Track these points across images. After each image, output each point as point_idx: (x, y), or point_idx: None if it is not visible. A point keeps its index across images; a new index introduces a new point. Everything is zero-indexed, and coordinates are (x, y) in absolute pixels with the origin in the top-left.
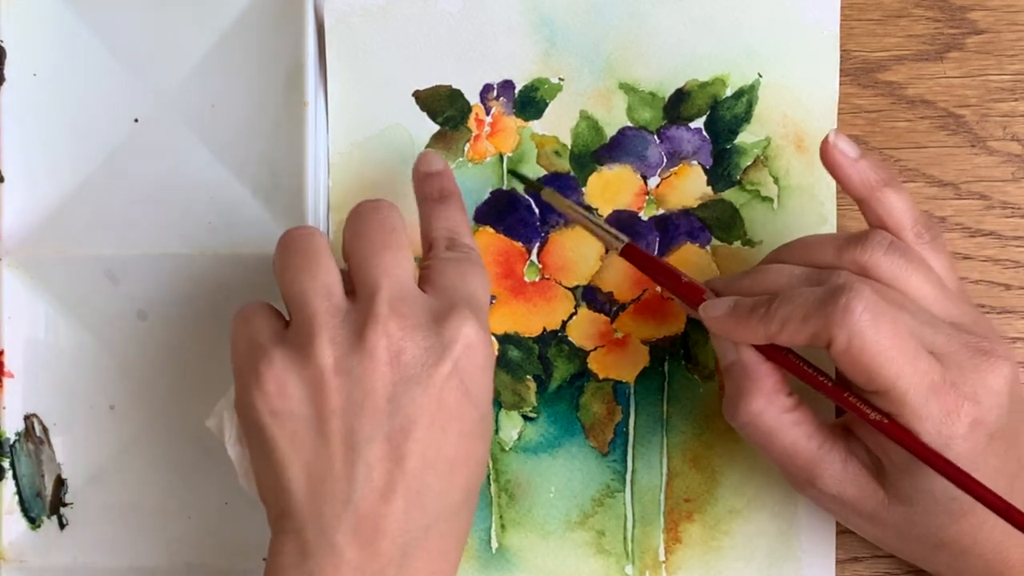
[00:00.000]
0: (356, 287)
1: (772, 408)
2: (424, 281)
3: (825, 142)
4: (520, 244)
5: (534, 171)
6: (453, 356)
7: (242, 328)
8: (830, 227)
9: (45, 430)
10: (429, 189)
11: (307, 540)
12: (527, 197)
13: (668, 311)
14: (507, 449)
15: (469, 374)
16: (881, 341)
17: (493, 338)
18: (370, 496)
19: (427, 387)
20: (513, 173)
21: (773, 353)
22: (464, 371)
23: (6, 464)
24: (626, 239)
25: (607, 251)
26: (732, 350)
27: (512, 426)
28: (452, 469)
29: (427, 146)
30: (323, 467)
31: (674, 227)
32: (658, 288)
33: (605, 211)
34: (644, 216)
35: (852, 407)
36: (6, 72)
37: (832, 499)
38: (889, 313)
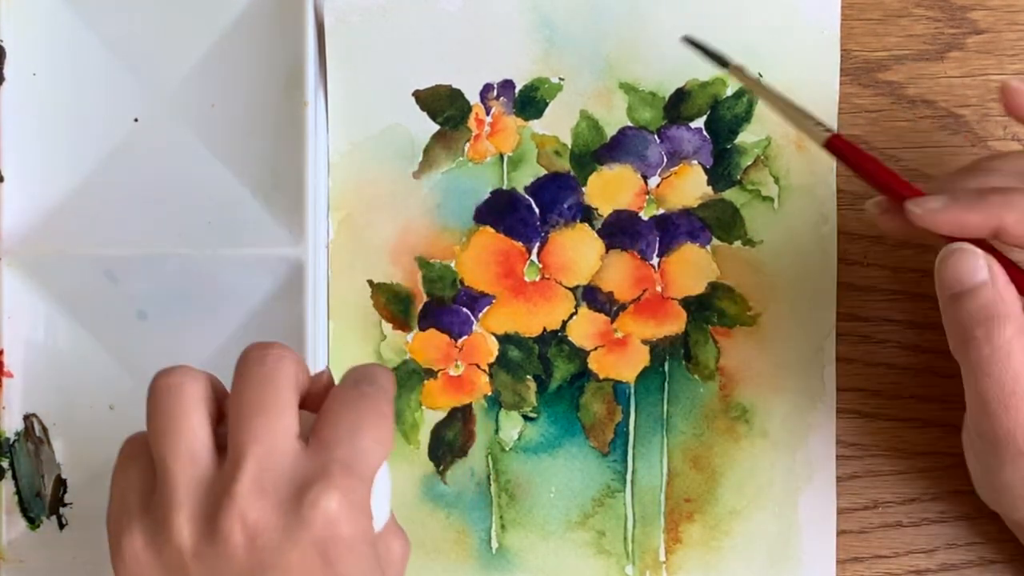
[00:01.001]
0: (228, 448)
1: (1021, 337)
2: (316, 425)
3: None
4: (520, 244)
5: (534, 171)
6: (312, 535)
7: (119, 477)
8: (830, 227)
9: (45, 430)
10: None
11: None
12: (527, 197)
13: (668, 311)
14: (507, 449)
15: (333, 551)
16: None
17: (494, 338)
18: None
19: (285, 573)
20: (690, 42)
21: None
22: (326, 549)
23: (6, 464)
24: (830, 130)
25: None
26: (982, 269)
27: (512, 426)
28: None
29: (426, 146)
30: None
31: (674, 227)
32: (658, 288)
33: (605, 211)
34: (644, 216)
35: None
36: (6, 72)
37: None
38: None
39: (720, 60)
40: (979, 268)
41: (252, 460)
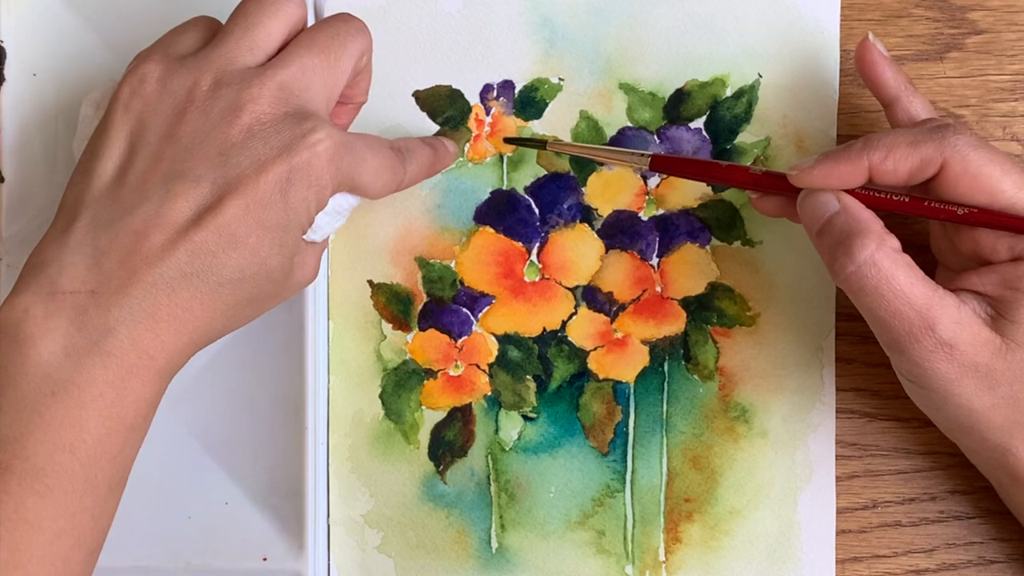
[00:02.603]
0: (283, 53)
1: (885, 248)
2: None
3: (866, 41)
4: (520, 244)
5: (534, 171)
6: (293, 158)
7: (172, 32)
8: None
9: None
10: None
11: (72, 226)
12: (527, 197)
13: (668, 311)
14: (507, 449)
15: (300, 178)
16: (995, 158)
17: (494, 338)
18: (152, 220)
19: (260, 165)
20: (511, 140)
21: (862, 197)
22: (293, 175)
23: None
24: (649, 152)
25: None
26: (832, 201)
27: (512, 426)
28: (234, 246)
29: None
30: (134, 174)
31: (674, 227)
32: (658, 288)
33: (605, 211)
34: (644, 216)
35: (941, 212)
36: (6, 72)
37: (946, 351)
38: (990, 144)
39: (539, 144)
40: (829, 201)
41: (295, 68)
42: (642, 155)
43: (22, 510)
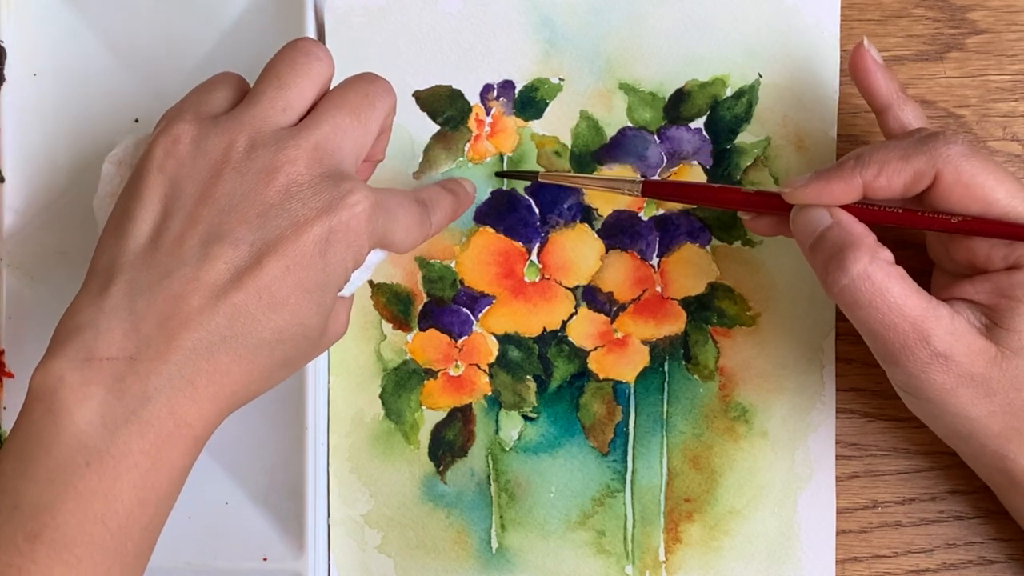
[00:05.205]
0: (310, 116)
1: (878, 261)
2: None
3: (860, 47)
4: (520, 244)
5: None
6: (332, 217)
7: (199, 90)
8: None
9: None
10: None
11: (108, 290)
12: (527, 197)
13: (668, 311)
14: (507, 449)
15: (340, 237)
16: (988, 167)
17: (494, 338)
18: (191, 283)
19: (299, 226)
20: (503, 174)
21: (855, 211)
22: (334, 233)
23: None
24: (641, 178)
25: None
26: (824, 216)
27: (512, 426)
28: (274, 308)
29: (427, 146)
30: (170, 236)
31: (674, 227)
32: (658, 288)
33: (605, 211)
34: (644, 216)
35: (935, 223)
36: (6, 72)
37: (941, 362)
38: (983, 152)
39: (530, 176)
40: (821, 215)
41: (328, 129)
42: (633, 182)
43: None
